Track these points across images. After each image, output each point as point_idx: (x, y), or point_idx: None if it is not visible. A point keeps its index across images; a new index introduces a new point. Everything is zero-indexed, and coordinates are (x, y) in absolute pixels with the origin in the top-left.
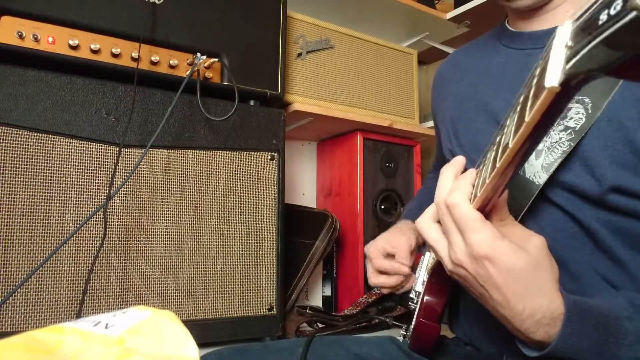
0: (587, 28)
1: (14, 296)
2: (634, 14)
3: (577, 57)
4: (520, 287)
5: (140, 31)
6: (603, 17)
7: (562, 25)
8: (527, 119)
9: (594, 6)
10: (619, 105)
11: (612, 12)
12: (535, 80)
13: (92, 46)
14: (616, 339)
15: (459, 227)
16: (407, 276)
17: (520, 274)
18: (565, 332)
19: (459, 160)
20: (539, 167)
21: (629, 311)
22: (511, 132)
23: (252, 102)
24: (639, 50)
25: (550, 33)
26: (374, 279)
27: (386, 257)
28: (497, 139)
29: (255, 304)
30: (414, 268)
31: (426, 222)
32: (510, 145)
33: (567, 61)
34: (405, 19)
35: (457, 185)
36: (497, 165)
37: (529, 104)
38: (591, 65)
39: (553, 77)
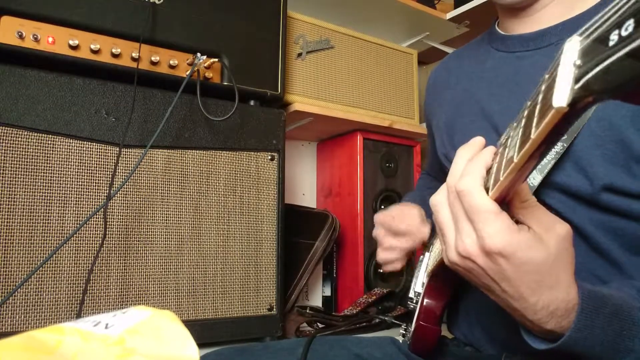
0: (597, 47)
1: (14, 296)
2: None
3: (587, 78)
4: (535, 281)
5: (140, 31)
6: (613, 37)
7: (569, 40)
8: (532, 136)
9: (605, 24)
10: (609, 105)
11: (624, 33)
12: (541, 97)
13: (92, 46)
14: (629, 331)
15: (470, 217)
16: (410, 252)
17: (536, 269)
18: (579, 324)
19: (477, 143)
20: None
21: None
22: (516, 145)
23: (252, 102)
24: None
25: (539, 36)
26: (383, 255)
27: (395, 235)
28: (506, 143)
29: (255, 304)
30: (411, 271)
31: (441, 199)
32: (515, 160)
33: (576, 81)
34: (405, 19)
35: (469, 169)
36: (501, 178)
37: (535, 121)
38: (600, 87)
39: (561, 97)
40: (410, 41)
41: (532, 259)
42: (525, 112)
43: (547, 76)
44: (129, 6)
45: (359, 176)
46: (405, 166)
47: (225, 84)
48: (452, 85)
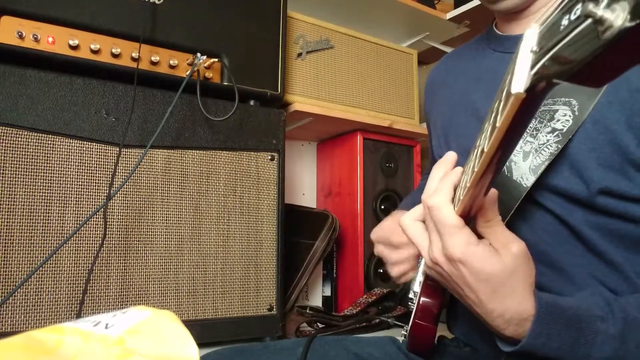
0: (550, 33)
1: (14, 296)
2: (589, 20)
3: (541, 63)
4: (491, 289)
5: (140, 31)
6: (564, 22)
7: (529, 28)
8: (498, 124)
9: (557, 10)
10: (604, 108)
11: (573, 17)
12: (506, 86)
13: (92, 46)
14: (587, 340)
15: (438, 229)
16: (416, 258)
17: (491, 278)
18: (534, 332)
19: (450, 159)
20: (526, 169)
21: (604, 311)
22: (487, 137)
23: (252, 102)
24: (595, 56)
25: None
26: (394, 271)
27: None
28: (477, 143)
29: (255, 304)
30: None
31: (408, 221)
32: (486, 150)
33: (532, 67)
34: (405, 19)
35: (439, 186)
36: (476, 169)
37: (500, 108)
38: (553, 71)
39: (519, 83)
40: (410, 41)
41: (487, 269)
42: (495, 104)
43: (510, 65)
44: (129, 6)
45: (359, 176)
46: (405, 166)
47: (225, 84)
48: (449, 84)
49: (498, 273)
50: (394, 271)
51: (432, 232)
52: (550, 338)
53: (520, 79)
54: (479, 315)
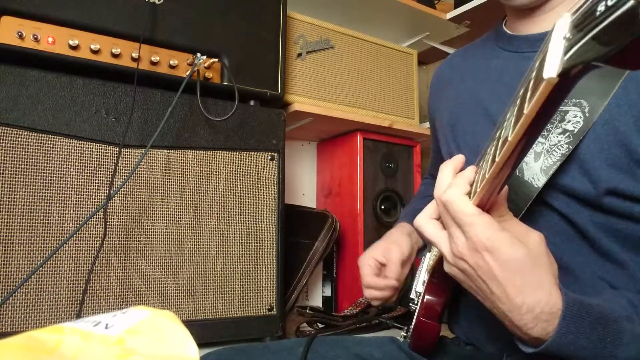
0: (585, 20)
1: (14, 296)
2: (631, 3)
3: (575, 48)
4: (519, 279)
5: (140, 31)
6: (601, 8)
7: (560, 18)
8: (526, 111)
9: None
10: (614, 110)
11: (610, 2)
12: (534, 73)
13: (92, 46)
14: (614, 339)
15: (457, 222)
16: (396, 290)
17: (519, 266)
18: (562, 329)
19: (459, 158)
20: (537, 170)
21: (629, 311)
22: (511, 125)
23: (252, 102)
24: (634, 37)
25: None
26: (366, 293)
27: (378, 269)
28: (497, 134)
29: (255, 304)
30: (412, 271)
31: (424, 220)
32: (510, 138)
33: (565, 52)
34: (405, 19)
35: (453, 182)
36: (497, 159)
37: (528, 96)
38: (589, 55)
39: (551, 69)
40: (410, 41)
41: (515, 256)
42: (521, 91)
43: (540, 54)
44: (129, 6)
45: (359, 176)
46: (405, 166)
47: (225, 84)
48: (455, 83)
49: (525, 260)
50: (366, 294)
51: (451, 228)
52: (578, 336)
53: (553, 65)
54: (503, 314)
